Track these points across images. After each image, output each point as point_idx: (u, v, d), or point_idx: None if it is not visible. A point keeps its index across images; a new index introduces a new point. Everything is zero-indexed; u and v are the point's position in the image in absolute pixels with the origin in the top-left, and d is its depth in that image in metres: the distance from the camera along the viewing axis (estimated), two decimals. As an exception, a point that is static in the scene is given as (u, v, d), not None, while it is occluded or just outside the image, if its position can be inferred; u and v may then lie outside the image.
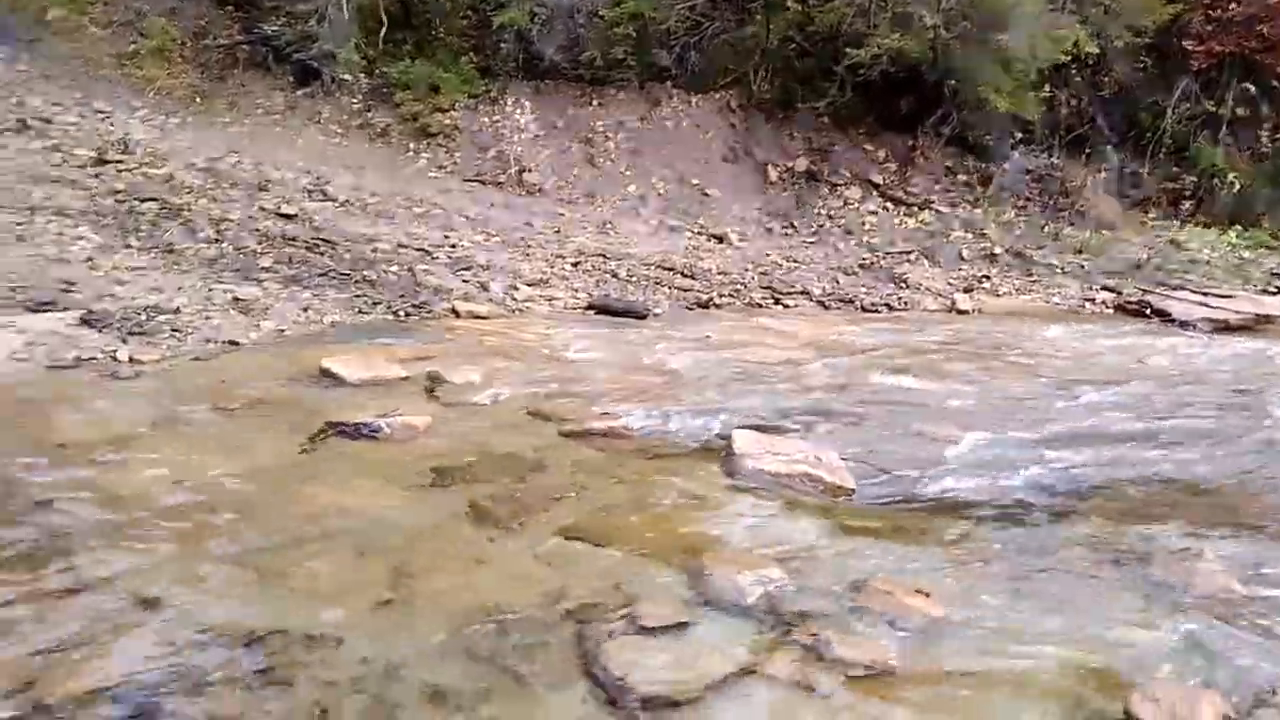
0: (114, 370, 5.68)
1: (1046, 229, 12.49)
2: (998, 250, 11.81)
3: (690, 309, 8.91)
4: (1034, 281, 11.31)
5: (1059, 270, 11.51)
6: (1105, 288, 11.02)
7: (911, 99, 13.23)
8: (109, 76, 12.41)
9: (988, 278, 11.01)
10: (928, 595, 3.51)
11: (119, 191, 9.15)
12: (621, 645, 3.12)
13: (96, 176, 9.42)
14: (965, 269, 11.24)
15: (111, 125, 11.06)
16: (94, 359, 5.81)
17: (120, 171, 9.67)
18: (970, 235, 12.15)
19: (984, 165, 13.43)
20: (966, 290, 10.34)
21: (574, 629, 3.21)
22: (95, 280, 7.10)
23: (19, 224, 7.85)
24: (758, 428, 5.26)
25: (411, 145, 12.53)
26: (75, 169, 9.49)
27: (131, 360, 5.83)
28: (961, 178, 13.16)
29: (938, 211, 12.47)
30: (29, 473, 4.18)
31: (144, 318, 6.53)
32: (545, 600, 3.38)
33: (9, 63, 11.77)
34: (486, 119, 12.85)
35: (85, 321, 6.30)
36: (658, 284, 9.42)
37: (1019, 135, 13.77)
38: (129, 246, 8.00)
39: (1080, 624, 3.39)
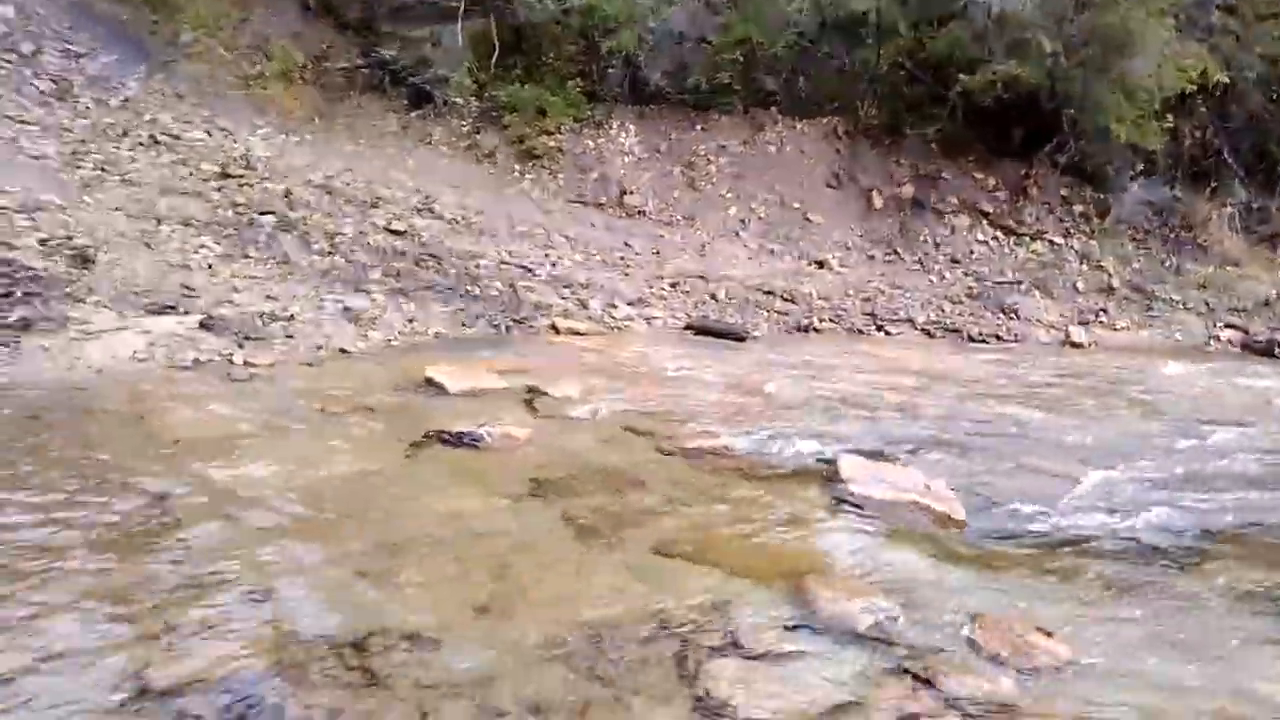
0: (229, 372, 5.87)
1: (1167, 263, 11.92)
2: (1115, 283, 11.31)
3: (790, 333, 8.78)
4: (1154, 317, 10.80)
5: (1181, 306, 10.95)
6: (1231, 325, 10.43)
7: (1025, 127, 12.84)
8: (234, 96, 12.98)
9: (1105, 311, 10.54)
10: (1050, 635, 3.30)
11: (239, 204, 9.52)
12: (724, 668, 3.01)
13: (219, 190, 9.83)
14: (1080, 301, 10.79)
15: (235, 142, 11.55)
16: (211, 361, 6.03)
17: (241, 186, 10.06)
18: (1086, 267, 11.67)
19: (1101, 196, 12.90)
20: (1082, 323, 9.92)
21: (674, 647, 3.11)
22: (215, 287, 7.38)
23: (147, 232, 8.22)
24: (863, 453, 5.10)
25: (516, 167, 12.73)
26: (200, 182, 9.92)
27: (246, 363, 6.03)
28: (1077, 208, 12.66)
29: (1051, 242, 12.02)
30: (147, 467, 4.32)
31: (259, 324, 6.75)
32: (644, 616, 3.29)
33: (144, 81, 12.42)
34: (590, 142, 12.99)
35: (204, 325, 6.54)
36: (757, 307, 9.31)
37: (1139, 166, 13.20)
38: (247, 256, 8.30)
39: (1224, 676, 3.13)
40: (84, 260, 7.27)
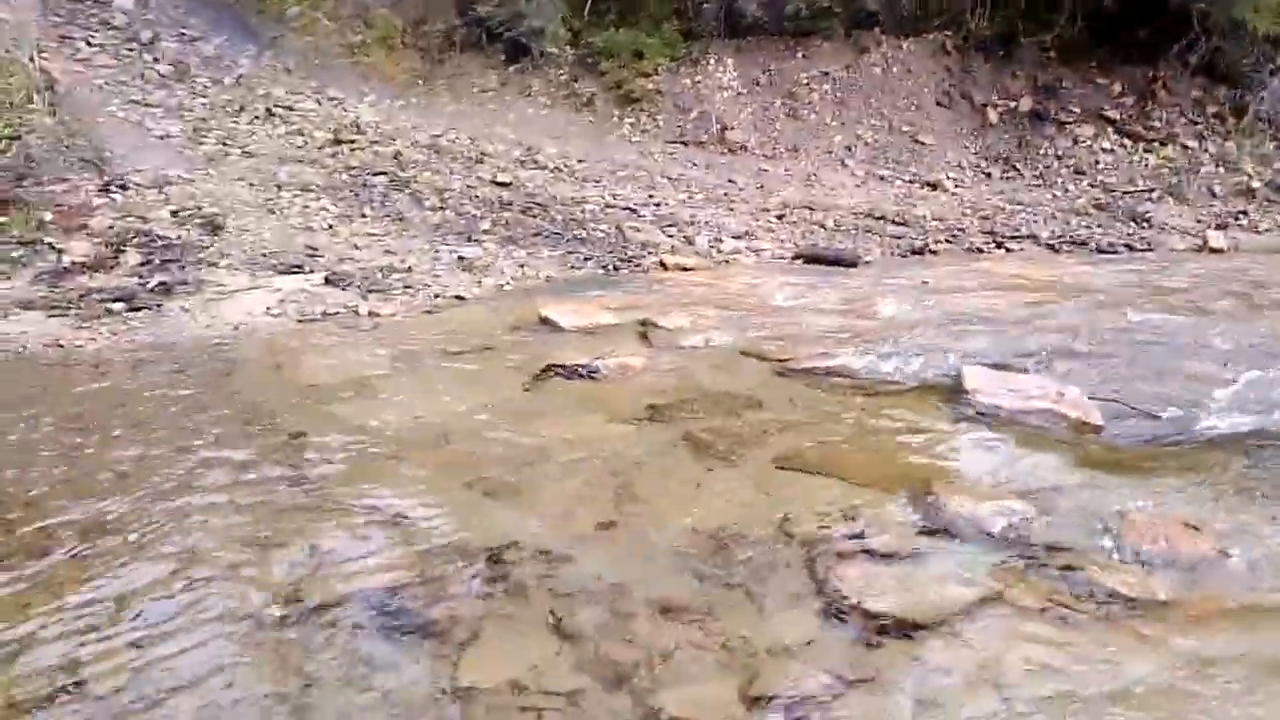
0: (355, 323, 6.10)
1: (1315, 162, 11.00)
2: (1255, 185, 10.54)
3: (904, 256, 8.50)
4: (1301, 218, 10.01)
5: (1332, 205, 10.12)
6: (1391, 221, 9.59)
7: (1151, 26, 11.99)
8: (340, 66, 13.33)
9: (1244, 214, 9.84)
10: (1198, 529, 3.15)
11: (353, 168, 9.82)
12: (853, 569, 2.99)
13: (333, 156, 10.16)
14: (1217, 206, 10.10)
15: (344, 110, 11.90)
16: (338, 314, 6.26)
17: (353, 150, 10.38)
18: (1222, 170, 10.90)
19: (1238, 94, 11.97)
20: (1220, 228, 9.28)
21: (802, 553, 3.11)
22: (336, 245, 7.65)
23: (269, 199, 8.58)
24: (989, 366, 4.93)
25: (615, 112, 12.69)
26: (315, 149, 10.27)
27: (370, 314, 6.24)
28: (1211, 109, 11.80)
29: (1184, 146, 11.26)
30: (286, 409, 4.54)
31: (380, 277, 6.97)
32: (770, 525, 3.30)
33: (255, 59, 12.89)
34: (688, 80, 12.81)
35: (329, 281, 6.79)
36: (868, 233, 9.06)
37: (1280, 60, 12.19)
38: (364, 216, 8.56)
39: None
40: (214, 228, 7.65)
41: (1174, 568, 2.96)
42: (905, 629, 2.68)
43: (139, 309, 6.03)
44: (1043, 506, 3.38)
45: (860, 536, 3.18)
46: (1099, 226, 9.36)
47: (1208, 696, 2.37)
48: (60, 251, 6.88)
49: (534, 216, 8.94)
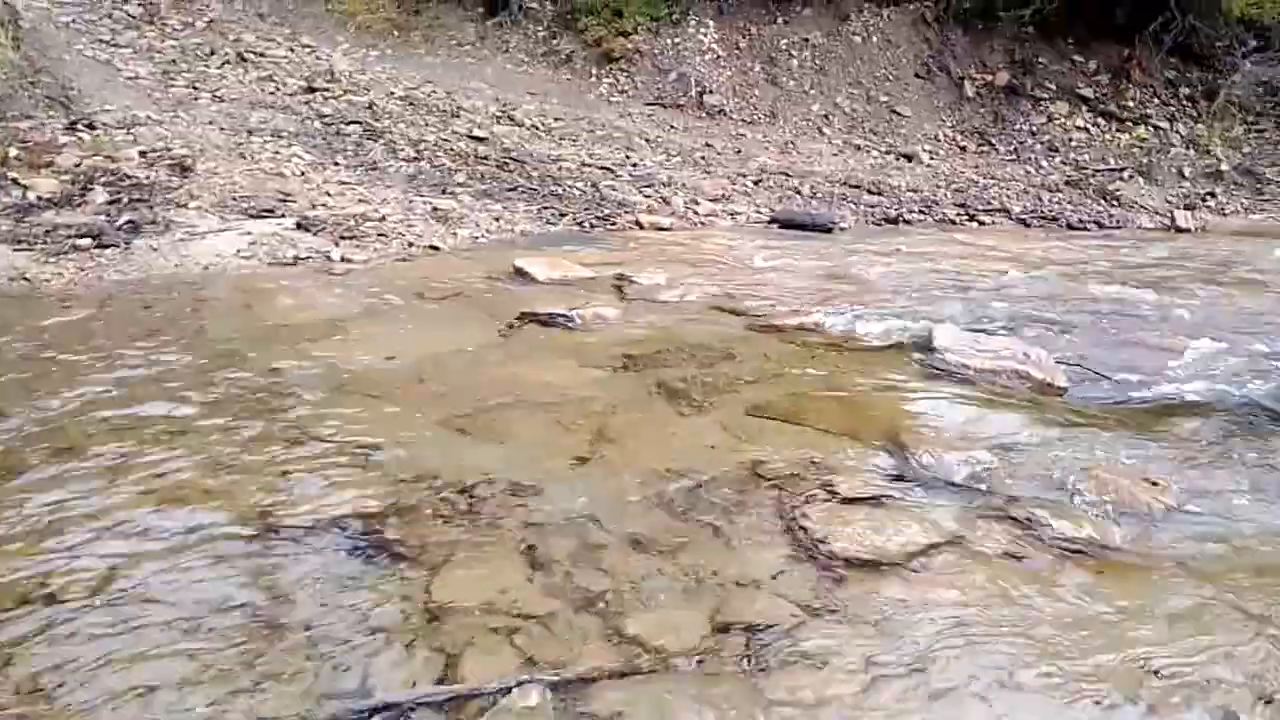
0: (328, 268, 6.04)
1: (1284, 146, 11.18)
2: (1224, 168, 10.70)
3: (878, 224, 8.56)
4: (1266, 201, 10.20)
5: (1297, 189, 10.30)
6: (1355, 207, 9.79)
7: (1128, 5, 12.08)
8: (314, 14, 13.11)
9: (1212, 195, 10.00)
10: (1156, 484, 3.24)
11: (326, 116, 9.69)
12: (820, 511, 3.05)
13: (306, 104, 10.01)
14: (1186, 187, 10.26)
15: (318, 58, 11.69)
16: (310, 258, 6.20)
17: (327, 99, 10.23)
18: (1193, 152, 11.05)
19: (1211, 76, 12.12)
20: (1188, 208, 9.43)
21: (771, 494, 3.16)
22: (308, 192, 7.56)
23: (240, 143, 8.45)
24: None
25: (594, 71, 12.59)
26: (287, 96, 10.11)
27: (343, 260, 6.19)
28: (1184, 90, 11.95)
29: (1155, 127, 11.40)
30: (258, 347, 4.51)
31: (353, 224, 6.90)
32: (740, 468, 3.35)
33: (227, 3, 12.65)
34: (668, 41, 12.71)
35: (301, 226, 6.72)
36: (843, 200, 9.11)
37: (1253, 43, 12.35)
38: (336, 164, 8.46)
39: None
40: (183, 169, 7.52)
41: (1130, 519, 3.05)
42: (870, 567, 2.75)
43: (106, 246, 5.93)
44: (1006, 459, 3.47)
45: (829, 480, 3.24)
46: (1070, 203, 9.47)
47: (1145, 639, 2.46)
48: (25, 187, 6.74)
49: (510, 172, 8.88)
